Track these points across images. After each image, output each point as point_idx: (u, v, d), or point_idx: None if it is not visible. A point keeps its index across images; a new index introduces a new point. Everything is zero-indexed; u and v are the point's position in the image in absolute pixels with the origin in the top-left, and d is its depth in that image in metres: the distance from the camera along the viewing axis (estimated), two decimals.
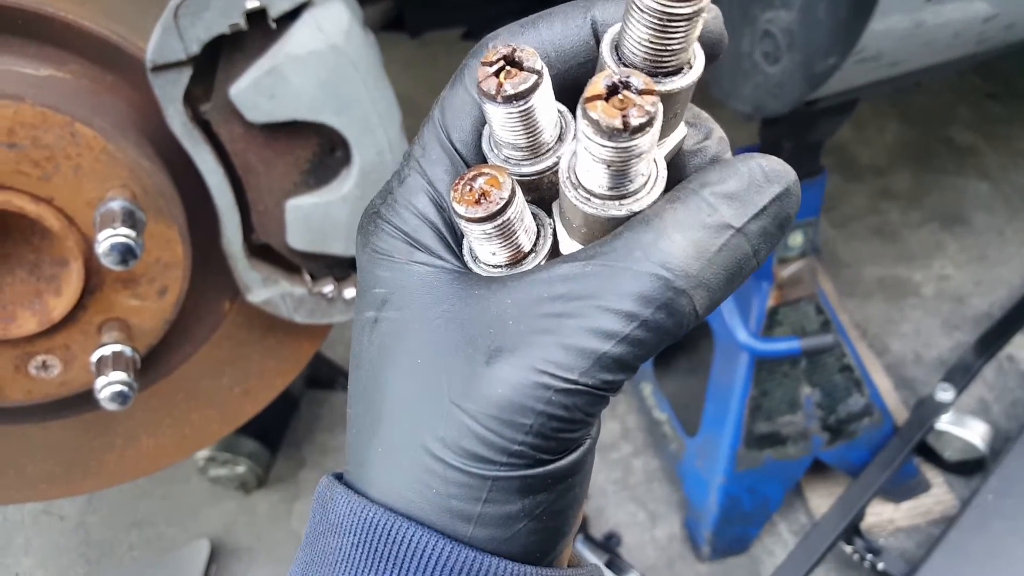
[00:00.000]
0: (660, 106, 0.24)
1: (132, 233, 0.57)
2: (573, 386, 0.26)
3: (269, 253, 0.73)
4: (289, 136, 0.66)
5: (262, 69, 0.60)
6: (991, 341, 1.40)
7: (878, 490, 1.19)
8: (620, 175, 0.26)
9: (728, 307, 1.21)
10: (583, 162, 0.26)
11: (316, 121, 0.63)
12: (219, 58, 0.62)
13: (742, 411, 1.22)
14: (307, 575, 0.31)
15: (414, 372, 0.29)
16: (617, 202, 0.27)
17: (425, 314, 0.29)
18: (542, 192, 0.30)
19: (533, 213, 0.30)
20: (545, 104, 0.27)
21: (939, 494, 1.32)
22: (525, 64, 0.26)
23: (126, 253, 0.57)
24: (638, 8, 0.25)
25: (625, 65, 0.27)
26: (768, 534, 1.32)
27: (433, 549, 0.28)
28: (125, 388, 0.63)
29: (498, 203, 0.27)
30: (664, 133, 0.28)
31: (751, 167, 0.27)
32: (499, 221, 0.27)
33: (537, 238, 0.30)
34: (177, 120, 0.62)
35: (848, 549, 1.19)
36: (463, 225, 0.28)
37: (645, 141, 0.24)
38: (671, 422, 1.39)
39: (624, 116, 0.24)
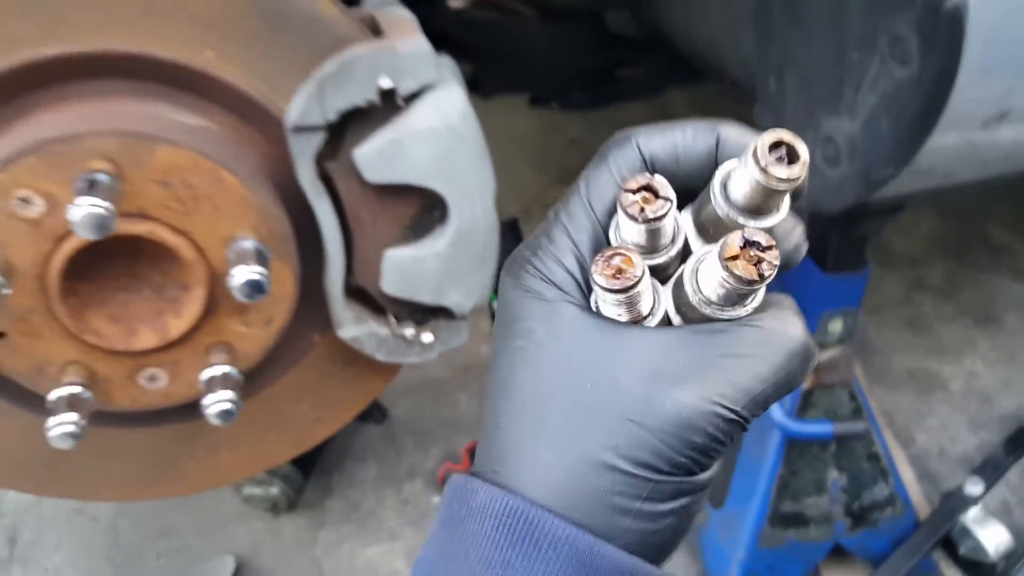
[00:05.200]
0: (776, 264, 0.32)
1: (264, 271, 0.65)
2: (736, 416, 0.33)
3: (362, 295, 0.80)
4: (397, 195, 0.73)
5: (386, 138, 0.68)
6: (1020, 441, 1.42)
7: None
8: (742, 298, 0.35)
9: None
10: (712, 283, 0.34)
11: (424, 186, 0.71)
12: (349, 124, 0.71)
13: (770, 488, 1.26)
14: (445, 552, 0.36)
15: (580, 392, 0.34)
16: (734, 308, 0.35)
17: (586, 345, 0.35)
18: (653, 273, 0.37)
19: None
20: (670, 220, 0.35)
21: None
22: (660, 193, 0.34)
23: (257, 288, 0.64)
24: (753, 180, 0.33)
25: (729, 200, 0.35)
26: None
27: (564, 532, 0.33)
28: (232, 406, 0.70)
29: (632, 280, 0.33)
30: None
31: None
32: (631, 293, 0.34)
33: (652, 305, 0.36)
34: (306, 175, 0.70)
35: None
36: (601, 292, 0.34)
37: (768, 282, 0.33)
38: None
39: (759, 270, 0.32)
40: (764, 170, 0.32)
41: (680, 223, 0.37)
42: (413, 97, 0.68)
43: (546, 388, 0.35)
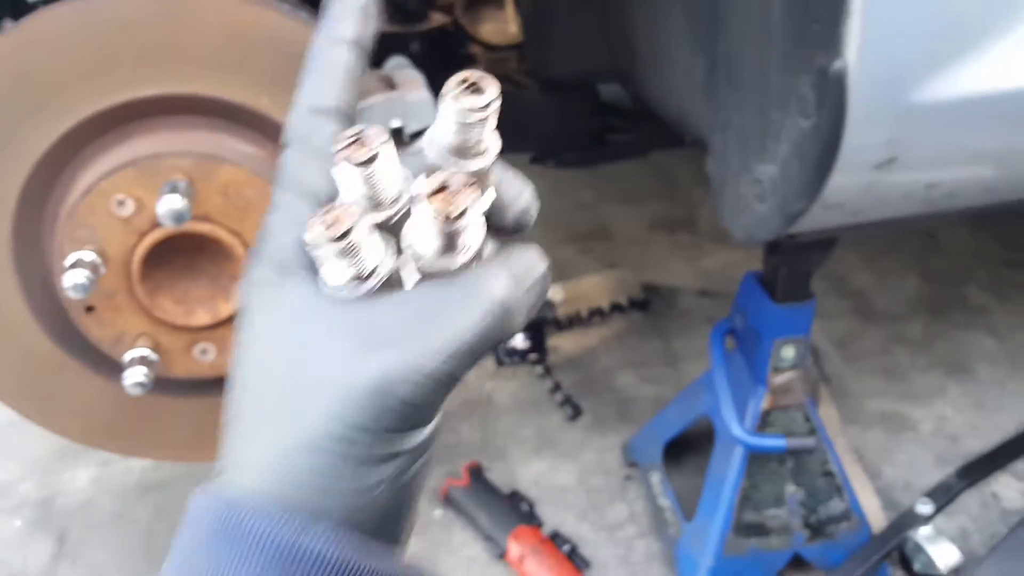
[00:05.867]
0: (477, 196, 0.33)
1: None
2: (434, 374, 0.33)
3: None
4: None
5: None
6: (975, 469, 1.55)
7: None
8: (452, 241, 0.34)
9: (728, 407, 1.41)
10: (420, 233, 0.34)
11: None
12: None
13: (733, 499, 1.39)
14: (172, 566, 0.35)
15: (294, 376, 0.33)
16: (449, 258, 0.34)
17: (300, 327, 0.34)
18: (390, 228, 0.35)
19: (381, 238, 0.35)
20: (385, 168, 0.33)
21: None
22: (370, 139, 0.33)
23: None
24: (447, 113, 0.34)
25: (435, 144, 0.35)
26: None
27: (265, 528, 0.31)
28: None
29: (341, 228, 0.31)
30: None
31: (533, 255, 0.37)
32: (344, 244, 0.32)
33: (379, 262, 0.34)
34: None
35: None
36: (316, 250, 0.33)
37: (467, 219, 0.33)
38: (673, 508, 1.57)
39: (453, 208, 0.32)
40: (457, 100, 0.33)
41: (407, 181, 0.35)
42: (417, 135, 0.90)
43: (264, 376, 0.34)
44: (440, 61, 1.10)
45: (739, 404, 1.41)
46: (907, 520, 1.43)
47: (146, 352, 0.90)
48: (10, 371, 0.95)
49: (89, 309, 0.90)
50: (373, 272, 0.34)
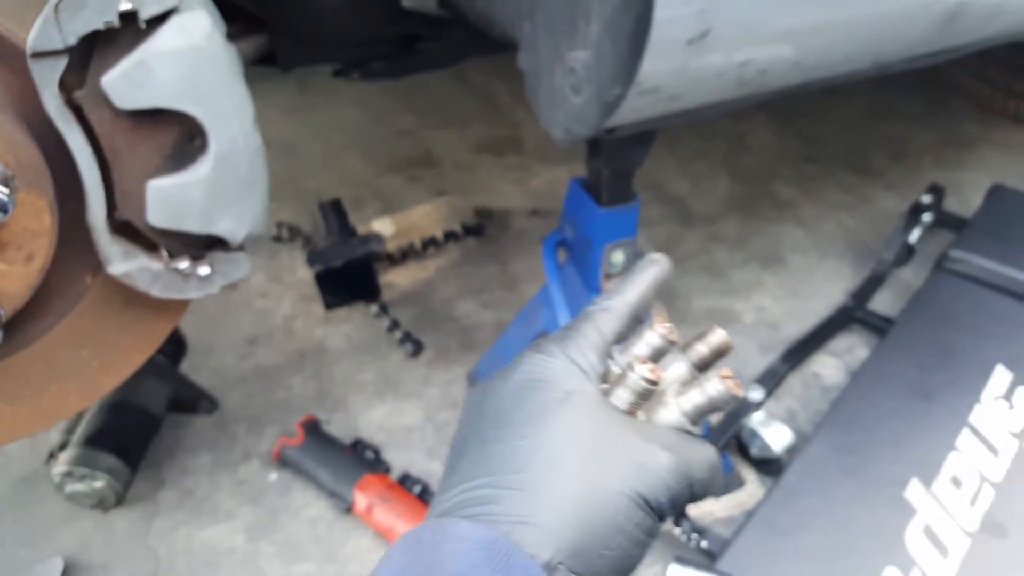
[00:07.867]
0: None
1: (5, 190, 0.65)
2: (687, 491, 0.45)
3: (130, 230, 0.81)
4: (153, 123, 0.76)
5: (132, 61, 0.71)
6: (796, 353, 1.62)
7: None
8: (703, 417, 0.49)
9: (564, 318, 1.36)
10: (692, 401, 0.49)
11: (178, 109, 0.74)
12: (94, 51, 0.72)
13: None
14: (409, 569, 0.38)
15: (600, 444, 0.44)
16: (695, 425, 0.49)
17: (608, 416, 0.45)
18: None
19: None
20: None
21: (752, 489, 1.49)
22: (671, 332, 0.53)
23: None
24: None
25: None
26: None
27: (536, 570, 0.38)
28: None
29: (658, 383, 0.47)
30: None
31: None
32: (653, 388, 0.47)
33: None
34: (52, 103, 0.71)
35: (677, 531, 1.33)
36: (635, 381, 0.47)
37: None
38: None
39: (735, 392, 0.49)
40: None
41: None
42: (157, 22, 0.72)
43: (566, 444, 0.43)
44: None
45: (575, 314, 1.36)
46: (741, 408, 1.47)
47: None
48: None
49: None
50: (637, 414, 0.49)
